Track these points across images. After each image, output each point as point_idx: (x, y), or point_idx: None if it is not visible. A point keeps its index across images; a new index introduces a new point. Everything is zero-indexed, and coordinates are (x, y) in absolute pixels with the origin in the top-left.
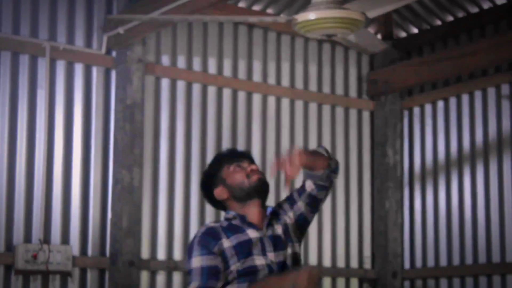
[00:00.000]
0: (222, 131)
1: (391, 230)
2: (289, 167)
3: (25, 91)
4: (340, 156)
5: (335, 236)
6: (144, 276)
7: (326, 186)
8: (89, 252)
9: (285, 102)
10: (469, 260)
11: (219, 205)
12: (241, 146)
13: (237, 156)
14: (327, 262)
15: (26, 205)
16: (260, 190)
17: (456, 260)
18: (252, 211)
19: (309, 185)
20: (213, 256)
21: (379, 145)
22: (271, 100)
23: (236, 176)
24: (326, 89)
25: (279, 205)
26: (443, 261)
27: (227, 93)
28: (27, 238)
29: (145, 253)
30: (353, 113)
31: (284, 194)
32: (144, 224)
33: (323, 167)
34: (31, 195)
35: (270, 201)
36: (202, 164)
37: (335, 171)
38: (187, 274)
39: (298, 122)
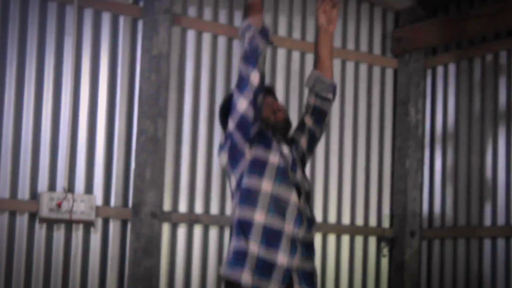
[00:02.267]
0: None
1: (411, 189)
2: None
3: (53, 38)
4: (362, 114)
5: (355, 193)
6: (166, 228)
7: (329, 99)
8: (112, 202)
9: (309, 58)
10: (487, 221)
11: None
12: None
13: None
14: (346, 220)
15: (51, 153)
16: (285, 128)
17: (475, 221)
18: None
19: (308, 119)
20: None
21: (402, 103)
22: (296, 55)
23: (264, 109)
24: (350, 45)
25: (292, 139)
26: (462, 222)
27: None
28: (52, 186)
29: (167, 205)
30: (376, 71)
31: None
32: (167, 176)
33: (330, 75)
34: (56, 143)
35: None
36: None
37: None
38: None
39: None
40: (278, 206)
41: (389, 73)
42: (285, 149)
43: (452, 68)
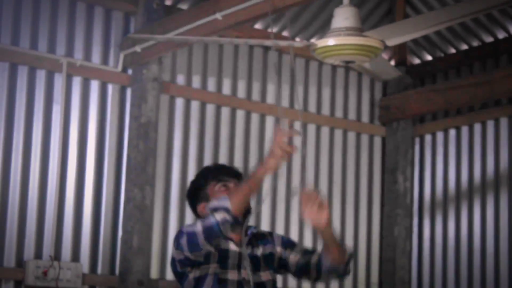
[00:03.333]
0: (235, 152)
1: (400, 257)
2: (315, 211)
3: (41, 106)
4: (350, 181)
5: None
6: None
7: (323, 274)
8: (99, 270)
9: (297, 126)
10: None
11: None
12: (253, 168)
13: (224, 173)
14: None
15: (38, 220)
16: (244, 213)
17: None
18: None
19: (315, 257)
20: None
21: (390, 171)
22: (284, 123)
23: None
24: (339, 113)
25: (270, 234)
26: None
27: (240, 114)
28: (38, 254)
29: (154, 273)
30: (364, 138)
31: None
32: (154, 243)
33: (334, 261)
34: (43, 211)
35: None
36: None
37: (339, 276)
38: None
39: (310, 145)
40: None
41: (377, 141)
42: (232, 245)
43: (440, 136)
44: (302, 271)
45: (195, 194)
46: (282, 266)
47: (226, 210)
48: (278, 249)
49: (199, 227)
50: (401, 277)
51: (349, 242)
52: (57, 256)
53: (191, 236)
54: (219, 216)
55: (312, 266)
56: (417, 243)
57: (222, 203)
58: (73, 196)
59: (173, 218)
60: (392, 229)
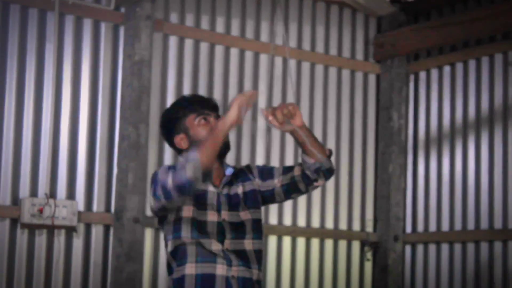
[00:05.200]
0: (229, 90)
1: (394, 194)
2: (282, 112)
3: (34, 45)
4: (345, 119)
5: (338, 198)
6: (148, 233)
7: (310, 180)
8: (94, 207)
9: (292, 63)
10: (471, 225)
11: (176, 150)
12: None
13: (205, 106)
14: (329, 224)
15: (32, 159)
16: (222, 152)
17: (458, 226)
18: None
19: (297, 170)
20: None
21: (384, 108)
22: (278, 61)
23: (201, 130)
24: (333, 51)
25: (248, 167)
26: (445, 226)
27: (234, 52)
28: (33, 192)
29: (149, 210)
30: (359, 76)
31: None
32: (149, 181)
33: (316, 158)
34: (38, 149)
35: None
36: None
37: (325, 172)
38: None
39: (304, 83)
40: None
41: (372, 78)
42: (211, 187)
43: (434, 73)
44: (289, 190)
45: (172, 125)
46: (268, 198)
47: (196, 164)
48: (257, 181)
49: (169, 183)
50: (396, 214)
51: (344, 179)
52: (52, 193)
53: (164, 187)
54: (189, 172)
55: (298, 179)
56: (411, 180)
57: (192, 156)
58: (67, 134)
59: (167, 156)
60: (387, 166)
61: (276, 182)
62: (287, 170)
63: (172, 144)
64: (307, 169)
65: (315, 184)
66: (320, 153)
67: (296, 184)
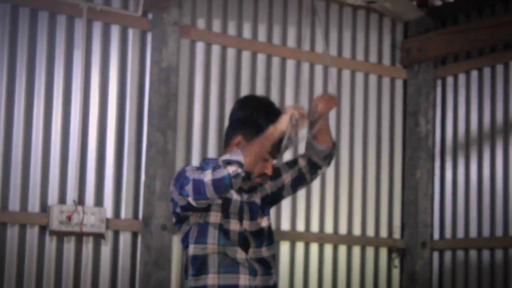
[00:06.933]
0: None
1: (422, 200)
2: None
3: (62, 51)
4: (372, 125)
5: (365, 204)
6: (176, 240)
7: (317, 167)
8: (122, 214)
9: (319, 69)
10: (499, 232)
11: (225, 142)
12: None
13: (274, 112)
14: (357, 231)
15: (61, 166)
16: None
17: (486, 232)
18: None
19: (302, 161)
20: None
21: (412, 114)
22: (305, 66)
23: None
24: (360, 56)
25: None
26: (473, 233)
27: (261, 58)
28: (62, 199)
29: None
30: (386, 81)
31: None
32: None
33: (327, 144)
34: (66, 156)
35: None
36: None
37: (331, 158)
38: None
39: (331, 89)
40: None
41: (399, 83)
42: (235, 195)
43: (462, 78)
44: (298, 182)
45: (242, 121)
46: (277, 197)
47: (240, 164)
48: (269, 183)
49: (208, 177)
50: (423, 220)
51: (371, 186)
52: (81, 201)
53: (198, 184)
54: (231, 169)
55: (305, 170)
56: (439, 186)
57: (236, 157)
58: (95, 140)
59: (195, 161)
60: (414, 172)
61: (285, 178)
62: (293, 163)
63: (227, 135)
64: (316, 155)
65: (319, 172)
66: (329, 140)
67: (304, 176)
